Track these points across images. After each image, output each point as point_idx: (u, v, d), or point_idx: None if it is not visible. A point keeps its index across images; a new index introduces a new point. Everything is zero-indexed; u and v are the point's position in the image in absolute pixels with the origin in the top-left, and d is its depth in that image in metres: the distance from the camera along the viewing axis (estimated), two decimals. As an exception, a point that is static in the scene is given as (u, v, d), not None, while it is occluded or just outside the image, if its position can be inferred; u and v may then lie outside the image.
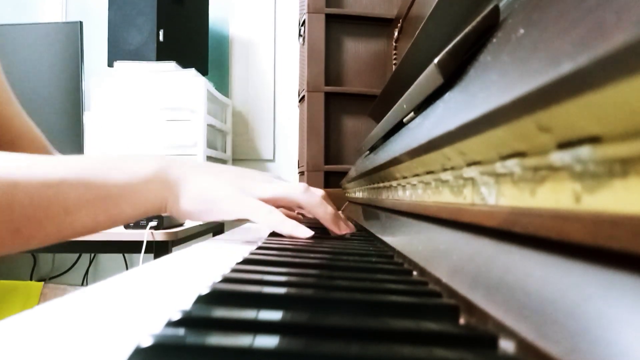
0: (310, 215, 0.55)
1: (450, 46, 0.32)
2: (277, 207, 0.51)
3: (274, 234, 0.53)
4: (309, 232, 0.49)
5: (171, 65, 1.64)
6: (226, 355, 0.15)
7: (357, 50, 1.42)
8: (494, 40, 0.28)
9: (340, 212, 0.59)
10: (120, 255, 1.94)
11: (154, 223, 1.20)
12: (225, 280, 0.24)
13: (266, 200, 0.50)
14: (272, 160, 2.05)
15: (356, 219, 0.79)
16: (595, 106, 0.13)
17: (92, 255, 2.00)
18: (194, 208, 0.49)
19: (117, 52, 1.66)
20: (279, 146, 2.05)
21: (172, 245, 1.25)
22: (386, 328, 0.18)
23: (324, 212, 0.53)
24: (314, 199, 0.52)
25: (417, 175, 0.39)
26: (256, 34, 2.05)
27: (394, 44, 1.17)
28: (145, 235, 1.18)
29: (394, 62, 1.19)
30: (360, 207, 0.85)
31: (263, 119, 2.05)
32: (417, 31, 0.57)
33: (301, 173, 1.51)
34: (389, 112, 0.57)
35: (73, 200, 0.43)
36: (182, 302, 0.21)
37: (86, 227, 0.45)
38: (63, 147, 1.54)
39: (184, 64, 1.67)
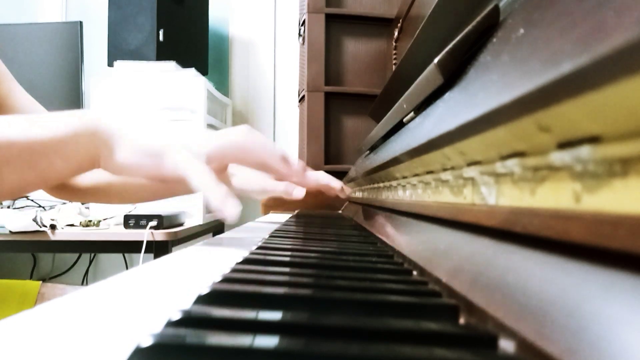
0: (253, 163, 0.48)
1: (450, 46, 0.32)
2: (227, 157, 0.47)
3: (274, 234, 0.53)
4: (233, 213, 0.42)
5: (171, 65, 1.64)
6: (226, 355, 0.15)
7: (357, 50, 1.42)
8: (494, 40, 0.28)
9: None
10: (120, 255, 1.94)
11: (154, 223, 1.20)
12: (225, 280, 0.24)
13: (213, 154, 0.46)
14: (272, 160, 2.05)
15: (356, 219, 0.79)
16: (595, 106, 0.13)
17: (92, 255, 2.00)
18: (131, 160, 0.46)
19: (117, 51, 1.66)
20: (279, 146, 2.05)
21: (172, 245, 1.25)
22: (386, 328, 0.18)
23: (270, 155, 0.47)
24: (259, 140, 0.47)
25: (417, 175, 0.39)
26: (256, 34, 2.05)
27: (394, 43, 1.17)
28: (145, 235, 1.18)
29: (394, 62, 1.18)
30: (360, 207, 0.85)
31: (263, 118, 2.05)
32: (417, 31, 0.57)
33: (301, 173, 1.50)
34: (389, 112, 0.57)
35: None
36: (182, 302, 0.21)
37: (14, 185, 0.44)
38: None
39: (184, 63, 1.67)
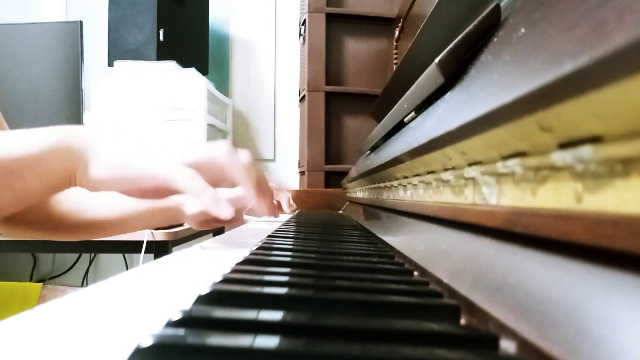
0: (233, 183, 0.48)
1: (451, 46, 0.32)
2: (203, 173, 0.45)
3: (274, 235, 0.53)
4: (228, 212, 0.42)
5: (171, 65, 1.64)
6: (226, 355, 0.15)
7: (357, 49, 1.42)
8: (495, 39, 0.28)
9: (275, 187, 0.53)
10: (121, 255, 1.94)
11: (154, 223, 1.19)
12: (225, 280, 0.24)
13: (188, 166, 0.45)
14: (273, 160, 2.05)
15: (357, 219, 0.79)
16: (597, 106, 0.13)
17: (92, 255, 2.00)
18: (106, 174, 0.45)
19: (117, 51, 1.66)
20: (280, 146, 2.05)
21: (172, 245, 1.25)
22: (387, 328, 0.18)
23: (246, 177, 0.45)
24: (238, 161, 0.46)
25: (418, 175, 0.39)
26: (256, 34, 2.05)
27: (395, 43, 1.17)
28: (145, 235, 1.18)
29: (395, 61, 1.18)
30: (361, 207, 0.85)
31: (263, 118, 2.05)
32: (418, 31, 0.57)
33: (302, 173, 1.50)
34: (390, 112, 0.57)
35: None
36: (182, 302, 0.21)
37: None
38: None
39: (185, 63, 1.67)
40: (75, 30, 1.63)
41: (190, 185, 0.43)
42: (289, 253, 0.38)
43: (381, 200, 0.58)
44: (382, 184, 0.59)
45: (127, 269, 1.89)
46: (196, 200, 0.43)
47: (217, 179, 0.47)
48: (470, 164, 0.26)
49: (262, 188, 0.46)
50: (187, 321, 0.18)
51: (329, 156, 1.39)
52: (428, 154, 0.31)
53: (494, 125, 0.20)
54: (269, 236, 0.51)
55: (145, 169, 0.45)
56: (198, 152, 0.47)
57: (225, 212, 0.42)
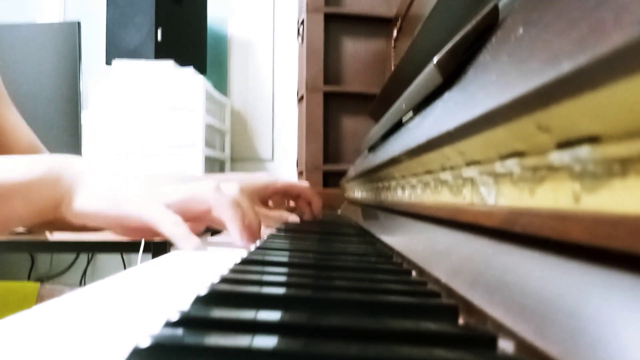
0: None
1: (449, 46, 0.32)
2: (188, 212, 0.46)
3: (272, 235, 0.53)
4: (200, 249, 0.44)
5: (169, 64, 1.63)
6: (225, 356, 0.15)
7: (356, 49, 1.42)
8: (494, 39, 0.28)
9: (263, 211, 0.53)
10: (119, 255, 1.93)
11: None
12: (224, 280, 0.24)
13: (173, 205, 0.45)
14: (271, 160, 2.05)
15: (355, 219, 0.79)
16: (595, 106, 0.13)
17: (90, 255, 2.00)
18: (91, 208, 0.45)
19: (115, 50, 1.65)
20: (278, 146, 2.05)
21: (170, 244, 1.24)
22: (385, 328, 0.18)
23: (232, 216, 0.45)
24: (223, 200, 0.45)
25: (416, 175, 0.39)
26: (255, 33, 2.05)
27: (393, 43, 1.17)
28: (143, 234, 1.17)
29: (393, 61, 1.18)
30: (359, 207, 0.85)
31: (262, 118, 2.05)
32: (417, 30, 0.57)
33: (300, 173, 1.50)
34: (388, 112, 0.57)
35: None
36: (180, 303, 0.21)
37: None
38: (61, 146, 1.53)
39: (183, 62, 1.67)
40: (73, 32, 1.62)
41: (173, 232, 0.44)
42: (288, 253, 0.38)
43: (379, 200, 0.58)
44: (380, 184, 0.59)
45: (125, 269, 1.89)
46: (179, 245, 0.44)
47: (202, 216, 0.48)
48: (469, 164, 0.26)
49: (250, 227, 0.46)
50: (186, 321, 0.18)
51: (327, 156, 1.39)
52: (426, 154, 0.31)
53: (492, 125, 0.20)
54: (267, 236, 0.51)
55: (131, 209, 0.45)
56: (184, 190, 0.47)
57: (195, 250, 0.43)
